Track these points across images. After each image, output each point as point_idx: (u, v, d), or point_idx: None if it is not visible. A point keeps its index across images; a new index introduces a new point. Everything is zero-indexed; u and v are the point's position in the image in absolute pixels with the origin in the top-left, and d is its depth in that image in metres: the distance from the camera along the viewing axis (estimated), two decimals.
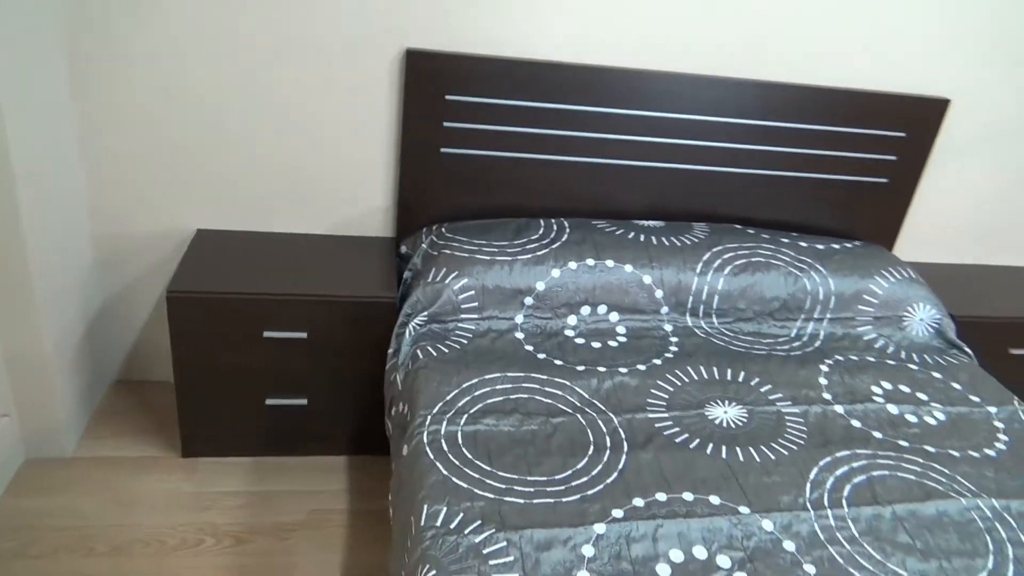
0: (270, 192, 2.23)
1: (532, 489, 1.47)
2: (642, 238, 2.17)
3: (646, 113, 2.20)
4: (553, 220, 2.22)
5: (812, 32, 2.22)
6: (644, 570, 1.33)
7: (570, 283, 2.03)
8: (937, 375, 2.03)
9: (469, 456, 1.54)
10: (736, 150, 2.30)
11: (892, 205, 2.49)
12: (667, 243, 2.17)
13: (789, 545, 1.42)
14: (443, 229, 2.17)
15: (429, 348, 1.87)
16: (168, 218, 2.22)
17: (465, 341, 1.92)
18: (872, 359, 2.07)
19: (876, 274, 2.22)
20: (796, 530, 1.46)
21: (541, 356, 1.90)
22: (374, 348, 2.04)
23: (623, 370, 1.87)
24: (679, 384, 1.86)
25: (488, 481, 1.48)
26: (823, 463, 1.65)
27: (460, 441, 1.58)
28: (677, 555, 1.37)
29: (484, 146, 2.19)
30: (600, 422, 1.69)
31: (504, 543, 1.34)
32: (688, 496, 1.50)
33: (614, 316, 2.06)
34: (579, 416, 1.70)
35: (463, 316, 1.98)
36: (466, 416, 1.65)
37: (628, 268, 2.07)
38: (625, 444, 1.63)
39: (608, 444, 1.62)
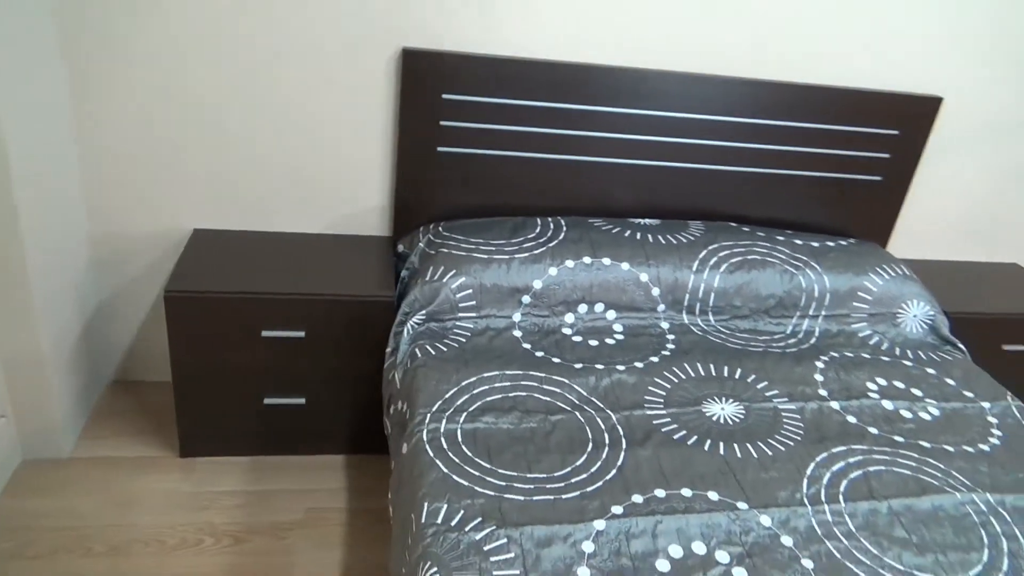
0: (267, 191, 2.24)
1: (532, 486, 1.48)
2: (638, 236, 2.18)
3: (642, 112, 2.21)
4: (550, 218, 2.22)
5: (806, 31, 2.23)
6: (644, 566, 1.34)
7: (567, 281, 2.04)
8: (931, 371, 2.05)
9: (469, 454, 1.55)
10: (731, 148, 2.32)
11: (886, 202, 2.51)
12: (663, 241, 2.18)
13: (787, 540, 1.43)
14: (440, 228, 2.18)
15: (427, 346, 1.88)
16: (165, 218, 2.22)
17: (463, 339, 1.93)
18: (867, 355, 2.08)
19: (870, 271, 2.24)
20: (794, 525, 1.47)
21: (539, 354, 1.91)
22: (372, 347, 2.04)
23: (621, 367, 1.88)
24: (676, 381, 1.87)
25: (488, 478, 1.49)
26: (820, 459, 1.66)
27: (460, 439, 1.59)
28: (676, 551, 1.38)
29: (481, 145, 2.19)
30: (599, 419, 1.70)
31: (505, 540, 1.35)
32: (687, 492, 1.51)
33: (611, 314, 2.07)
34: (577, 413, 1.71)
35: (461, 314, 1.98)
36: (465, 414, 1.66)
37: (625, 266, 2.08)
38: (623, 441, 1.64)
39: (607, 441, 1.63)
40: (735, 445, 1.67)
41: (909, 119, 2.37)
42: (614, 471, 1.55)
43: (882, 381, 1.97)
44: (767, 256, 2.20)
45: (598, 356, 1.93)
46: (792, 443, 1.70)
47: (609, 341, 2.00)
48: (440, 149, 2.18)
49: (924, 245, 2.70)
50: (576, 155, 2.25)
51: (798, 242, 2.29)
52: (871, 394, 1.91)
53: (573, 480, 1.51)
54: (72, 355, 2.13)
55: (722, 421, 1.75)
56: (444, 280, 1.98)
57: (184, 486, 2.07)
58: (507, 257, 2.04)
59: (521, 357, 1.88)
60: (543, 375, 1.82)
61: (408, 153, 2.18)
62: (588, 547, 1.36)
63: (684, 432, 1.69)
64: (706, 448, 1.65)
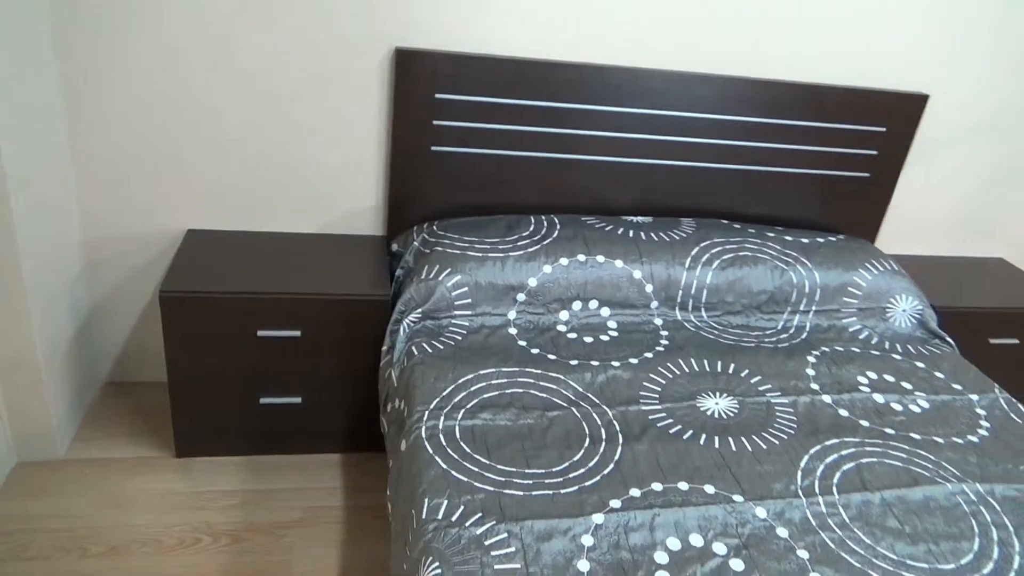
0: (260, 191, 2.24)
1: (531, 481, 1.50)
2: (631, 234, 2.20)
3: (633, 110, 2.23)
4: (543, 217, 2.24)
5: (796, 31, 2.26)
6: (643, 558, 1.36)
7: (562, 279, 2.05)
8: (920, 364, 2.08)
9: (468, 450, 1.56)
10: (721, 146, 2.34)
11: (874, 199, 2.54)
12: (656, 238, 2.20)
13: (782, 531, 1.46)
14: (434, 227, 2.19)
15: (424, 344, 1.89)
16: (158, 218, 2.22)
17: (459, 337, 1.94)
18: (857, 350, 2.11)
19: (860, 267, 2.27)
20: (789, 517, 1.49)
21: (535, 351, 1.92)
22: (367, 346, 2.05)
23: (616, 364, 1.90)
24: (671, 377, 1.89)
25: (487, 474, 1.50)
26: (813, 451, 1.68)
27: (458, 435, 1.60)
28: (674, 543, 1.40)
29: (474, 144, 2.21)
30: (595, 415, 1.71)
31: (505, 534, 1.36)
32: (683, 486, 1.53)
33: (605, 311, 2.08)
34: (574, 409, 1.72)
35: (456, 312, 2.00)
36: (463, 411, 1.67)
37: (619, 263, 2.10)
38: (620, 436, 1.66)
39: (604, 436, 1.65)
40: (730, 439, 1.69)
41: (896, 116, 2.41)
42: (611, 466, 1.57)
43: (872, 375, 2.00)
44: (758, 252, 2.22)
45: (593, 353, 1.94)
46: (786, 436, 1.72)
47: (604, 338, 2.02)
48: (433, 148, 2.19)
49: (912, 240, 2.74)
50: (569, 154, 2.26)
51: (788, 238, 2.32)
52: (862, 388, 1.94)
53: (571, 475, 1.53)
54: (66, 356, 2.13)
55: (717, 415, 1.77)
56: (439, 278, 1.99)
57: (180, 486, 2.07)
58: (502, 255, 2.05)
59: (517, 354, 1.90)
60: (539, 372, 1.84)
61: (401, 152, 2.19)
62: (587, 540, 1.37)
63: (679, 427, 1.71)
64: (701, 442, 1.67)
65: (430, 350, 1.87)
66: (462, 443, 1.58)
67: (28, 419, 2.03)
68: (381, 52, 2.10)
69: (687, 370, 1.92)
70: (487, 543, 1.34)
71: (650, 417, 1.73)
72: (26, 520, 1.91)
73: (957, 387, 1.99)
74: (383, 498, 2.02)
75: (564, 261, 2.07)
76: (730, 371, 1.94)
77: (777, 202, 2.47)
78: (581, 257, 2.09)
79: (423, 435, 1.59)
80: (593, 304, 2.08)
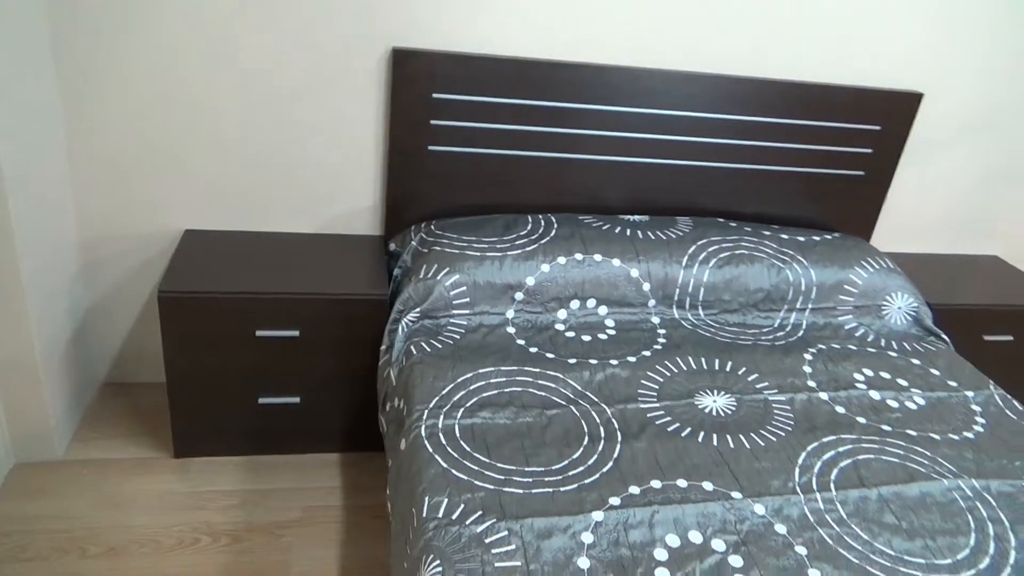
0: (258, 191, 2.24)
1: (530, 479, 1.50)
2: (628, 232, 2.21)
3: (630, 109, 2.24)
4: (541, 216, 2.25)
5: (791, 30, 2.27)
6: (642, 555, 1.36)
7: (559, 278, 2.06)
8: (916, 361, 2.09)
9: (467, 449, 1.57)
10: (718, 145, 2.35)
11: (869, 197, 2.55)
12: (652, 237, 2.21)
13: (780, 528, 1.46)
14: (432, 226, 2.19)
15: (422, 344, 1.90)
16: (155, 218, 2.21)
17: (458, 336, 1.94)
18: (853, 347, 2.12)
19: (856, 264, 2.28)
20: (787, 513, 1.50)
21: (533, 350, 1.93)
22: (366, 345, 2.06)
23: (614, 362, 1.91)
24: (668, 375, 1.90)
25: (487, 472, 1.51)
26: (810, 448, 1.69)
27: (458, 434, 1.60)
28: (673, 540, 1.41)
29: (471, 144, 2.21)
30: (594, 413, 1.72)
31: (505, 532, 1.37)
32: (682, 483, 1.54)
33: (603, 309, 2.09)
34: (573, 408, 1.73)
35: (455, 312, 2.00)
36: (462, 410, 1.68)
37: (616, 262, 2.11)
38: (619, 434, 1.66)
39: (602, 434, 1.66)
40: (728, 436, 1.70)
41: (891, 115, 2.42)
42: (610, 463, 1.57)
43: (869, 372, 2.01)
44: (754, 251, 2.23)
45: (591, 351, 1.95)
46: (783, 433, 1.73)
47: (602, 336, 2.02)
48: (431, 148, 2.20)
49: (906, 238, 2.75)
50: (566, 153, 2.27)
51: (784, 237, 2.33)
52: (858, 385, 1.95)
53: (571, 473, 1.54)
54: (64, 357, 2.13)
55: (714, 413, 1.78)
56: (438, 278, 2.00)
57: (179, 486, 2.07)
58: (500, 254, 2.06)
59: (515, 353, 1.90)
60: (538, 371, 1.84)
61: (399, 152, 2.20)
62: (587, 538, 1.38)
63: (678, 424, 1.72)
64: (700, 440, 1.68)
65: (429, 349, 1.88)
66: (462, 442, 1.59)
67: (26, 420, 2.03)
68: (378, 52, 2.10)
69: (685, 368, 1.93)
70: (487, 541, 1.35)
71: (648, 415, 1.74)
72: (24, 521, 1.91)
73: (952, 384, 2.01)
74: (382, 497, 2.03)
75: (562, 260, 2.08)
76: (727, 369, 1.95)
77: (773, 200, 2.48)
78: (579, 256, 2.09)
79: (423, 434, 1.60)
80: (591, 303, 2.08)
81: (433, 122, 2.16)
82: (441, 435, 1.60)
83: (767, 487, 1.56)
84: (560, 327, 2.04)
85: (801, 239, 2.33)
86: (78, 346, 2.22)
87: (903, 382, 1.99)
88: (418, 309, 1.98)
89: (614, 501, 1.47)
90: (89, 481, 2.05)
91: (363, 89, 2.14)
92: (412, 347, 1.89)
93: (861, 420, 1.82)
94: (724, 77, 2.26)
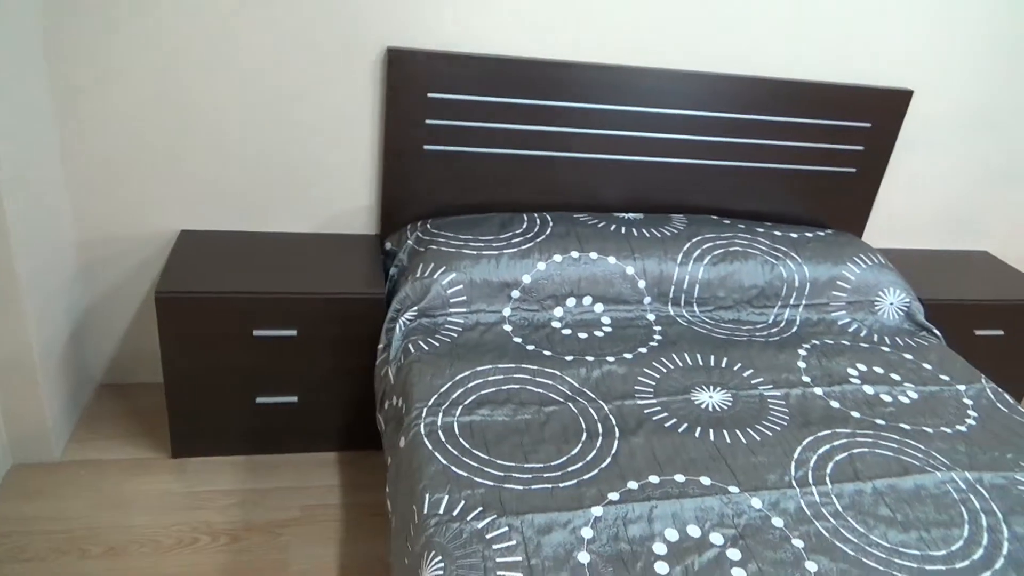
0: (253, 192, 2.24)
1: (530, 476, 1.52)
2: (623, 230, 2.22)
3: (624, 108, 2.25)
4: (536, 214, 2.26)
5: (783, 29, 2.29)
6: (642, 549, 1.38)
7: (556, 275, 2.07)
8: (908, 356, 2.11)
9: (467, 446, 1.58)
10: (711, 143, 2.37)
11: (860, 194, 2.58)
12: (648, 235, 2.22)
13: (777, 521, 1.48)
14: (428, 225, 2.20)
15: (420, 342, 1.90)
16: (152, 219, 2.21)
17: (455, 334, 1.95)
18: (847, 342, 2.15)
19: (848, 261, 2.30)
20: (784, 507, 1.52)
21: (530, 347, 1.94)
22: (363, 344, 2.06)
23: (610, 359, 1.92)
24: (665, 371, 1.91)
25: (487, 469, 1.52)
26: (806, 443, 1.71)
27: (457, 431, 1.61)
28: (672, 534, 1.42)
29: (466, 143, 2.22)
30: (591, 410, 1.73)
31: (506, 528, 1.38)
32: (680, 478, 1.56)
33: (599, 307, 2.10)
34: (571, 404, 1.74)
35: (452, 310, 2.01)
36: (461, 407, 1.69)
37: (611, 260, 2.12)
38: (616, 430, 1.68)
39: (600, 430, 1.67)
40: (724, 431, 1.72)
41: (881, 112, 2.44)
42: (609, 459, 1.59)
43: (862, 367, 2.03)
44: (748, 248, 2.25)
45: (588, 348, 1.96)
46: (779, 428, 1.75)
47: (598, 333, 2.04)
48: (426, 147, 2.21)
49: (898, 234, 2.78)
50: (561, 151, 2.28)
51: (777, 233, 2.35)
52: (852, 379, 1.97)
53: (570, 469, 1.55)
54: (61, 359, 2.13)
55: (711, 409, 1.80)
56: (435, 276, 2.00)
57: (177, 486, 2.08)
58: (496, 253, 2.07)
59: (513, 351, 1.92)
60: (535, 368, 1.85)
61: (394, 152, 2.20)
62: (587, 533, 1.39)
63: (675, 420, 1.74)
64: (697, 435, 1.69)
65: (426, 348, 1.89)
66: (461, 439, 1.60)
67: (23, 421, 2.03)
68: (373, 52, 2.11)
69: (681, 364, 1.95)
70: (488, 537, 1.36)
71: (645, 411, 1.75)
72: (23, 522, 1.91)
73: (945, 378, 2.03)
74: (380, 495, 2.04)
75: (558, 258, 2.09)
76: (723, 365, 1.97)
77: (765, 197, 2.50)
78: (574, 254, 2.11)
79: (422, 431, 1.61)
80: (587, 300, 2.10)
81: (428, 121, 2.17)
82: (440, 432, 1.61)
83: (764, 481, 1.58)
84: (556, 324, 2.05)
85: (794, 236, 2.35)
86: (75, 347, 2.22)
87: (896, 376, 2.01)
88: (415, 308, 1.99)
89: (613, 496, 1.48)
90: (87, 482, 2.05)
91: (358, 89, 2.15)
92: (410, 345, 1.89)
93: (855, 414, 1.84)
94: (717, 76, 2.27)
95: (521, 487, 1.48)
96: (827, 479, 1.61)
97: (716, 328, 2.14)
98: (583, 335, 2.02)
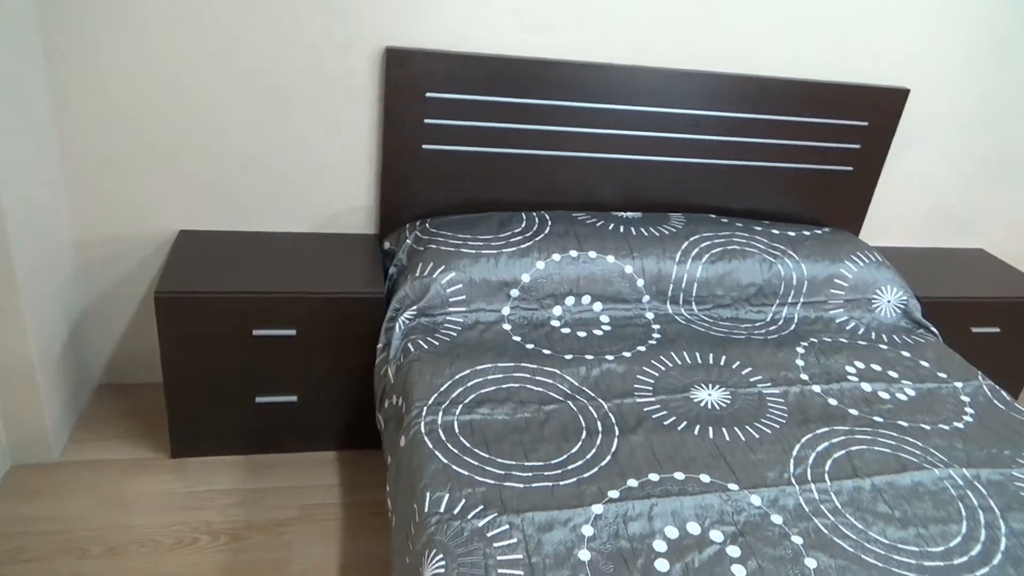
0: (252, 191, 2.24)
1: (530, 474, 1.52)
2: (622, 229, 2.23)
3: (622, 107, 2.26)
4: (535, 213, 2.26)
5: (780, 27, 2.30)
6: (642, 547, 1.38)
7: (555, 274, 2.08)
8: (906, 354, 2.12)
9: (467, 444, 1.58)
10: (708, 142, 2.37)
11: (857, 192, 2.59)
12: (646, 233, 2.23)
13: (777, 518, 1.49)
14: (427, 224, 2.20)
15: (420, 341, 1.91)
16: (149, 219, 2.21)
17: (455, 333, 1.96)
18: (845, 340, 2.15)
19: (845, 259, 2.31)
20: (783, 504, 1.52)
21: (529, 346, 1.95)
22: (362, 344, 2.06)
23: (609, 357, 1.93)
24: (664, 369, 1.92)
25: (487, 468, 1.52)
26: (804, 440, 1.72)
27: (457, 430, 1.62)
28: (672, 531, 1.43)
29: (465, 142, 2.22)
30: (591, 408, 1.74)
31: (507, 526, 1.38)
32: (679, 475, 1.56)
33: (598, 305, 2.11)
34: (570, 403, 1.75)
35: (451, 309, 2.01)
36: (461, 406, 1.69)
37: (610, 259, 2.13)
38: (616, 428, 1.68)
39: (600, 429, 1.68)
40: (723, 429, 1.72)
41: (878, 111, 2.45)
42: (608, 457, 1.59)
43: (860, 364, 2.04)
44: (746, 246, 2.26)
45: (587, 347, 1.97)
46: (778, 426, 1.76)
47: (597, 332, 2.04)
48: (425, 147, 2.21)
49: (894, 233, 2.79)
50: (559, 151, 2.29)
51: (775, 232, 2.36)
52: (850, 377, 1.98)
53: (570, 467, 1.55)
54: (59, 359, 2.12)
55: (710, 407, 1.80)
56: (434, 276, 2.01)
57: (177, 486, 2.08)
58: (495, 252, 2.07)
59: (512, 349, 1.92)
60: (535, 366, 1.86)
61: (393, 151, 2.21)
62: (588, 531, 1.40)
63: (674, 418, 1.74)
64: (696, 433, 1.70)
65: (426, 347, 1.89)
66: (461, 437, 1.60)
67: (22, 422, 2.03)
68: (372, 51, 2.11)
69: (679, 363, 1.95)
70: (489, 535, 1.36)
71: (645, 409, 1.76)
72: (23, 523, 1.91)
73: (942, 375, 2.04)
74: (380, 494, 2.04)
75: (556, 257, 2.09)
76: (721, 363, 1.97)
77: (763, 196, 2.51)
78: (573, 253, 2.11)
79: (422, 430, 1.61)
80: (586, 299, 2.10)
81: (427, 121, 2.17)
82: (441, 431, 1.61)
83: (763, 479, 1.58)
84: (556, 323, 2.05)
85: (792, 234, 2.36)
86: (74, 347, 2.22)
87: (894, 374, 2.02)
88: (415, 307, 1.99)
89: (613, 494, 1.49)
90: (87, 482, 2.05)
91: (357, 89, 2.15)
92: (409, 344, 1.90)
93: (853, 412, 1.84)
94: (715, 75, 2.28)
95: (522, 485, 1.49)
96: (826, 476, 1.61)
97: (714, 326, 2.14)
98: (582, 334, 2.03)
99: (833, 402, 1.87)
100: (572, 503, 1.45)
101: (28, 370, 1.96)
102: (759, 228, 2.36)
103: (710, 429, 1.72)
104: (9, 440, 2.04)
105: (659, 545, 1.39)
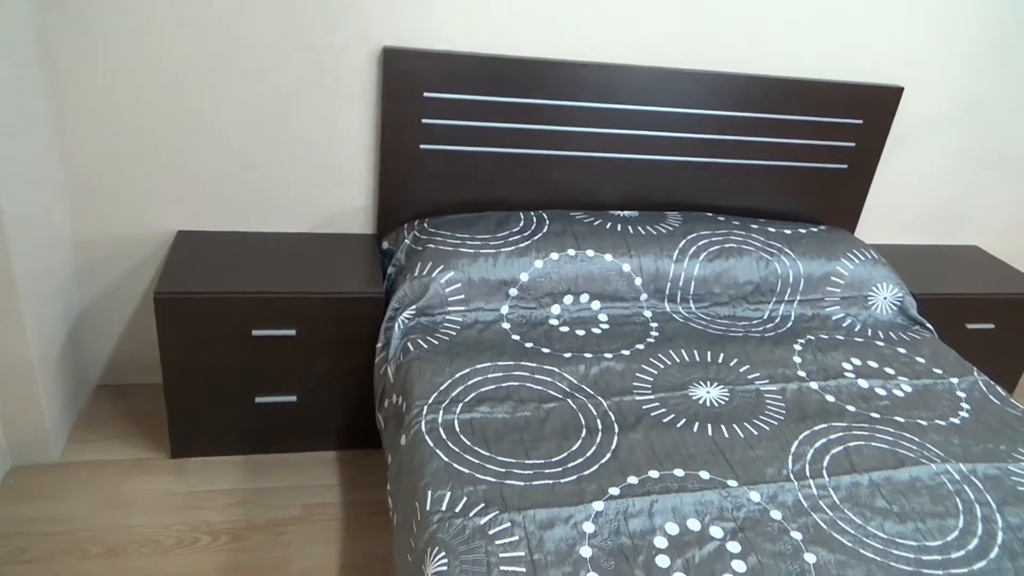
0: (250, 192, 2.25)
1: (531, 472, 1.53)
2: (619, 228, 2.24)
3: (619, 106, 2.27)
4: (532, 213, 2.27)
5: (774, 26, 2.31)
6: (643, 543, 1.39)
7: (553, 273, 2.09)
8: (902, 350, 2.14)
9: (468, 443, 1.59)
10: (705, 140, 2.38)
11: (853, 190, 2.60)
12: (643, 232, 2.24)
13: (776, 514, 1.50)
14: (425, 224, 2.21)
15: (419, 340, 1.91)
16: (148, 220, 2.22)
17: (454, 333, 1.97)
18: (841, 337, 2.17)
19: (842, 256, 2.32)
20: (782, 500, 1.54)
21: (528, 345, 1.95)
22: (361, 343, 2.07)
23: (608, 356, 1.94)
24: (662, 367, 1.93)
25: (488, 466, 1.53)
26: (802, 436, 1.73)
27: (457, 429, 1.63)
28: (673, 528, 1.44)
29: (463, 142, 2.23)
30: (590, 406, 1.75)
31: (508, 524, 1.39)
32: (679, 472, 1.57)
33: (596, 304, 2.12)
34: (570, 401, 1.76)
35: (450, 308, 2.02)
36: (461, 404, 1.70)
37: (608, 257, 2.13)
38: (616, 426, 1.69)
39: (600, 426, 1.68)
40: (722, 426, 1.74)
41: (872, 109, 2.46)
42: (608, 455, 1.60)
43: (857, 361, 2.05)
44: (743, 244, 2.27)
45: (586, 345, 1.98)
46: (776, 423, 1.77)
47: (595, 330, 2.05)
48: (423, 147, 2.21)
49: (889, 230, 2.80)
50: (557, 150, 2.29)
51: (772, 230, 2.37)
52: (847, 374, 1.99)
53: (570, 465, 1.56)
54: (59, 360, 2.12)
55: (708, 404, 1.81)
56: (433, 275, 2.01)
57: (177, 486, 2.08)
58: (493, 251, 2.08)
59: (511, 348, 1.93)
60: (534, 365, 1.87)
61: (391, 151, 2.21)
62: (589, 527, 1.41)
63: (673, 415, 1.75)
64: (695, 430, 1.71)
65: (425, 346, 1.90)
66: (462, 436, 1.61)
67: (22, 423, 2.03)
68: (370, 51, 2.11)
69: (678, 360, 1.96)
70: (491, 532, 1.37)
71: (644, 407, 1.77)
72: (23, 523, 1.91)
73: (938, 371, 2.05)
74: (380, 493, 2.05)
75: (555, 256, 2.10)
76: (719, 361, 1.98)
77: (759, 194, 2.52)
78: (571, 252, 2.12)
79: (423, 429, 1.62)
80: (584, 298, 2.11)
81: (425, 121, 2.18)
82: (441, 430, 1.62)
83: (762, 475, 1.60)
84: (554, 322, 2.06)
85: (788, 232, 2.37)
86: (73, 347, 2.22)
87: (890, 370, 2.03)
88: (414, 306, 2.00)
89: (613, 491, 1.50)
90: (87, 482, 2.05)
91: (355, 89, 2.15)
92: (409, 344, 1.90)
93: (851, 408, 1.86)
94: (711, 74, 2.29)
95: (522, 483, 1.50)
96: (824, 472, 1.63)
97: (712, 324, 2.16)
98: (581, 332, 2.04)
99: (830, 399, 1.89)
100: (573, 500, 1.46)
101: (27, 371, 1.96)
102: (756, 226, 2.37)
103: (709, 426, 1.73)
104: (9, 441, 2.04)
105: (660, 541, 1.40)
